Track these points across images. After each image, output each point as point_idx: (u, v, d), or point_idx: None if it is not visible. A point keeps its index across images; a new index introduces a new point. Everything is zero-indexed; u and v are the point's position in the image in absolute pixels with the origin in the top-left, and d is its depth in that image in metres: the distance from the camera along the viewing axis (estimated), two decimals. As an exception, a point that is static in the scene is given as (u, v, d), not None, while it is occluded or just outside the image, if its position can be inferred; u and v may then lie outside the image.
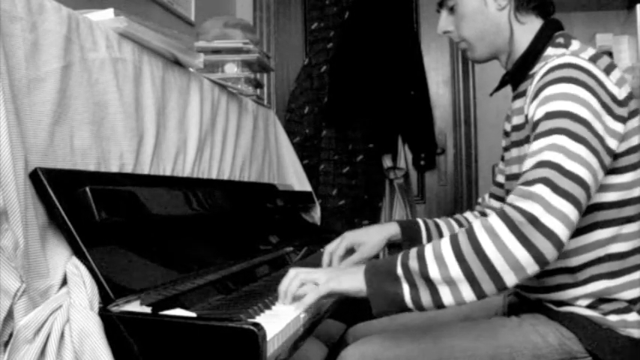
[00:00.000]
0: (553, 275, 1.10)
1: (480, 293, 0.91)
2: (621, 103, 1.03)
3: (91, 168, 1.01)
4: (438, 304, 0.94)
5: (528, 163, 0.96)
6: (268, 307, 1.04)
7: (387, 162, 2.74)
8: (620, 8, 2.72)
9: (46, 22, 0.92)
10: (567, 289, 1.09)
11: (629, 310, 1.07)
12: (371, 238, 1.31)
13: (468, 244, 0.91)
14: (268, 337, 0.82)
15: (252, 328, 0.77)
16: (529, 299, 1.19)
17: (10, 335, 0.79)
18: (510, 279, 0.90)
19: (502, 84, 1.25)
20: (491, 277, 0.90)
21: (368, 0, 2.77)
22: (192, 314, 0.88)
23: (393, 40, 2.73)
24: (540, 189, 0.90)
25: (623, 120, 1.03)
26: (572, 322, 1.08)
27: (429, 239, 1.34)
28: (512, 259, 0.88)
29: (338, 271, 1.03)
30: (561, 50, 1.11)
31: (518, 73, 1.19)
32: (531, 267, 0.89)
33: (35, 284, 0.80)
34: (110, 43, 1.09)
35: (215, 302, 1.06)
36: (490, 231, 0.90)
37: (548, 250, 0.88)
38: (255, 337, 0.77)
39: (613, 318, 1.07)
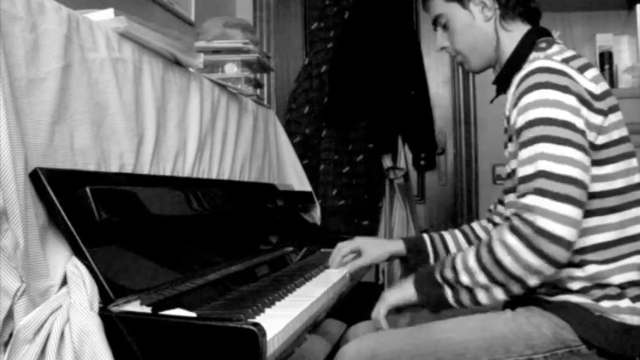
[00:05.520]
0: None
1: (509, 293, 1.05)
2: (598, 98, 1.08)
3: (91, 168, 1.01)
4: (475, 302, 1.09)
5: (520, 172, 1.04)
6: (268, 307, 1.04)
7: (387, 162, 2.73)
8: (620, 8, 2.72)
9: (46, 22, 0.92)
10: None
11: (622, 297, 1.08)
12: (374, 249, 1.46)
13: (489, 257, 1.03)
14: (268, 337, 0.82)
15: (252, 328, 0.77)
16: (523, 296, 1.19)
17: (10, 335, 0.79)
18: (532, 281, 1.02)
19: (498, 91, 1.29)
20: (514, 281, 1.02)
21: (368, 0, 2.77)
22: (192, 314, 0.88)
23: (393, 40, 2.72)
24: (536, 200, 0.99)
25: (602, 113, 1.08)
26: (566, 311, 1.10)
27: (436, 253, 1.46)
28: (528, 267, 1.00)
29: (392, 290, 1.20)
30: (540, 54, 1.15)
31: (503, 79, 1.23)
32: (548, 270, 1.00)
33: (35, 284, 0.80)
34: (110, 43, 1.09)
35: (215, 302, 1.06)
36: (505, 245, 1.01)
37: (559, 254, 0.98)
38: (255, 337, 0.77)
39: (606, 304, 1.08)
